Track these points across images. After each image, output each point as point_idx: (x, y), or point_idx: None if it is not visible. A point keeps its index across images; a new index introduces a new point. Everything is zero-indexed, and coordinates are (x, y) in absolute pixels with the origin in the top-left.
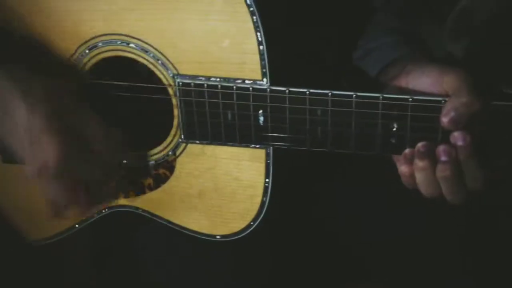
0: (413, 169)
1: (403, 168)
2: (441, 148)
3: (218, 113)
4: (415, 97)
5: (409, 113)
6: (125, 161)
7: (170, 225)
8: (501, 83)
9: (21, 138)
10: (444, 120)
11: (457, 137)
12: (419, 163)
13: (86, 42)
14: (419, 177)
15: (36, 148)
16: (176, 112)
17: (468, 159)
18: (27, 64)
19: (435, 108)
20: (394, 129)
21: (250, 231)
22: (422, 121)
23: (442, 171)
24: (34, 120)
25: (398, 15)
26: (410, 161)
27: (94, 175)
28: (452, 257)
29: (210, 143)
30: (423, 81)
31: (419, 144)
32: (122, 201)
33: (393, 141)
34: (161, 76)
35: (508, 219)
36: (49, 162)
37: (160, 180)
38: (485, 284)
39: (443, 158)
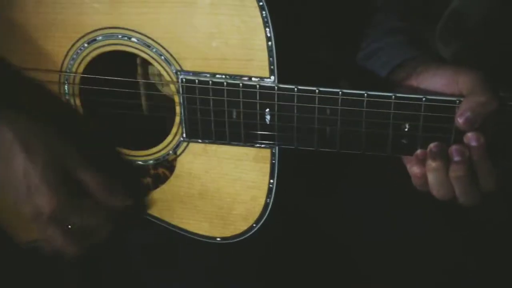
0: (425, 170)
1: (414, 169)
2: (454, 148)
3: (222, 111)
4: (429, 97)
5: (422, 113)
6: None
7: (168, 227)
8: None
9: (18, 183)
10: (460, 120)
11: (470, 138)
12: (432, 164)
13: (86, 35)
14: (432, 178)
15: (34, 195)
16: (178, 109)
17: (481, 159)
18: (25, 108)
19: (449, 108)
20: (406, 129)
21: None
22: (435, 121)
23: (455, 171)
24: (33, 169)
25: (398, 15)
26: (422, 162)
27: (90, 221)
28: (455, 258)
29: (213, 142)
30: (436, 81)
31: (432, 144)
32: None
33: (405, 141)
34: (163, 72)
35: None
36: (45, 209)
37: (159, 180)
38: (488, 285)
39: (456, 158)
